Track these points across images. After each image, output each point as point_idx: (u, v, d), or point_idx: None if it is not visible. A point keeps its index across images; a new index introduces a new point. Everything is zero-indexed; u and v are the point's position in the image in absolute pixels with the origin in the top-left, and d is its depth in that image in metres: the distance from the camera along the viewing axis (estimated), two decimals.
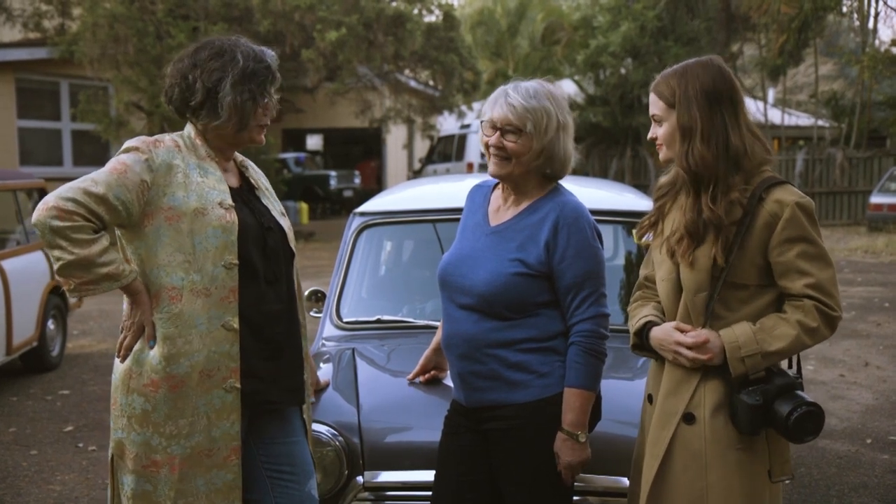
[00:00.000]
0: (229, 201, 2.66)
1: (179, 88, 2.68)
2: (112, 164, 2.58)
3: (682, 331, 2.55)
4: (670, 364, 2.60)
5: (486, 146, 2.82)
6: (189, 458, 2.60)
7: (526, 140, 2.74)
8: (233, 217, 2.63)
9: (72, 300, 8.47)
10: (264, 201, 2.85)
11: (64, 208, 2.46)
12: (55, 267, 2.52)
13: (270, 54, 2.75)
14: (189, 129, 2.74)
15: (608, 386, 2.90)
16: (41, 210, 2.47)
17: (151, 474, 2.60)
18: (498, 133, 2.78)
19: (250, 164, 2.95)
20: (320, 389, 3.23)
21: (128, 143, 2.64)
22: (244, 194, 2.79)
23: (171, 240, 2.57)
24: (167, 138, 2.69)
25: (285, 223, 2.86)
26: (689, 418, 2.55)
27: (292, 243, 2.86)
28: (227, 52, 2.67)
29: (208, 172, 2.67)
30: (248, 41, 2.75)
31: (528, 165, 2.78)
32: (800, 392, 2.50)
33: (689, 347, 2.52)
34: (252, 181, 2.87)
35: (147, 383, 2.58)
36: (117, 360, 2.67)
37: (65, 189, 2.50)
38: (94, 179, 2.53)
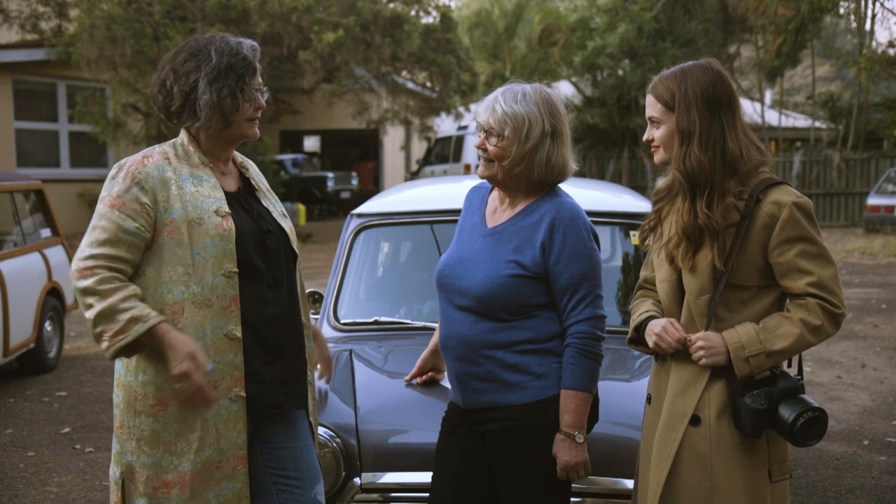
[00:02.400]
0: (226, 208, 2.63)
1: (161, 96, 2.66)
2: (108, 201, 2.55)
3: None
4: (677, 365, 2.61)
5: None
6: (200, 472, 2.58)
7: (505, 144, 2.74)
8: (230, 224, 2.61)
9: (75, 310, 8.47)
10: (265, 203, 2.81)
11: (85, 266, 2.49)
12: (91, 330, 2.49)
13: (248, 44, 2.69)
14: (182, 136, 2.71)
15: (606, 387, 2.90)
16: (71, 278, 2.51)
17: (163, 496, 2.58)
18: (484, 135, 2.78)
19: (251, 164, 2.92)
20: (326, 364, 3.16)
21: (114, 169, 2.62)
22: (242, 198, 2.76)
23: (173, 254, 2.55)
24: (156, 152, 2.66)
25: (286, 224, 2.83)
26: (694, 420, 2.55)
27: (294, 244, 2.83)
28: (202, 51, 2.63)
29: (202, 180, 2.64)
30: (227, 36, 2.70)
31: (511, 170, 2.77)
32: (804, 396, 2.51)
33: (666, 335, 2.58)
34: (253, 182, 2.84)
35: (154, 403, 2.56)
36: (117, 381, 2.64)
37: (81, 249, 2.53)
38: (101, 227, 2.52)
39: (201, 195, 2.61)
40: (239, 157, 2.87)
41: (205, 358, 2.49)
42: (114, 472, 2.68)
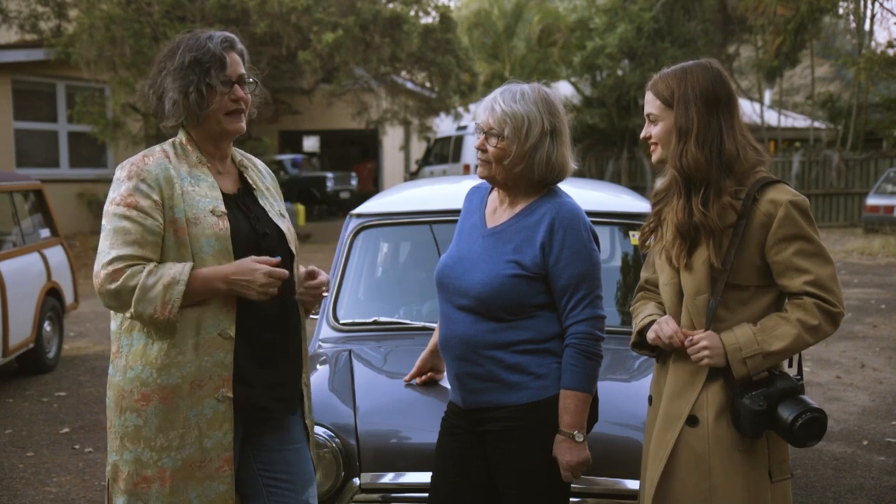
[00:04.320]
0: (222, 208, 2.62)
1: (146, 98, 2.69)
2: (120, 201, 2.54)
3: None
4: (674, 366, 2.61)
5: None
6: (180, 470, 2.57)
7: (505, 144, 2.74)
8: (225, 224, 2.60)
9: (69, 302, 8.47)
10: (262, 203, 2.79)
11: (113, 270, 2.49)
12: (140, 320, 2.51)
13: (219, 37, 2.64)
14: (181, 135, 2.70)
15: (606, 388, 2.90)
16: (97, 285, 2.51)
17: (143, 491, 2.57)
18: (483, 136, 2.78)
19: (252, 163, 2.89)
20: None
21: (118, 171, 2.61)
22: (240, 199, 2.74)
23: (177, 254, 2.55)
24: (157, 150, 2.65)
25: (284, 224, 2.80)
26: (692, 421, 2.55)
27: (292, 245, 2.81)
28: (173, 50, 2.62)
29: (200, 180, 2.63)
30: (205, 31, 2.66)
31: (511, 170, 2.76)
32: (803, 396, 2.51)
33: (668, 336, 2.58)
34: (250, 182, 2.81)
35: (138, 398, 2.55)
36: (108, 383, 2.64)
37: (103, 254, 2.52)
38: (123, 229, 2.51)
39: (198, 195, 2.60)
40: (238, 155, 2.85)
41: (254, 263, 2.55)
42: (106, 475, 2.68)
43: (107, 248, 2.51)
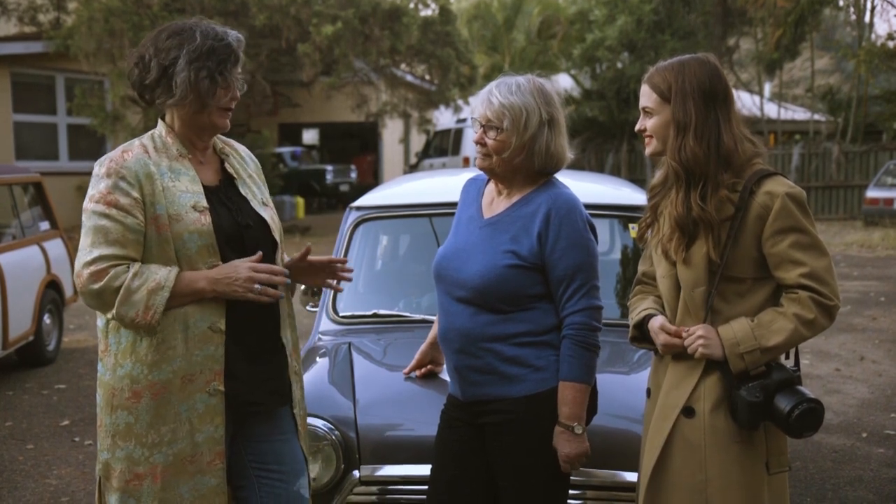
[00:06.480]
0: (203, 203, 2.59)
1: (138, 69, 2.61)
2: (99, 198, 2.52)
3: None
4: (673, 359, 2.62)
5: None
6: (172, 465, 2.55)
7: (504, 136, 2.74)
8: (207, 219, 2.57)
9: (68, 295, 8.47)
10: (244, 191, 2.74)
11: (96, 270, 2.47)
12: (122, 322, 2.51)
13: (234, 35, 2.65)
14: (160, 127, 2.67)
15: (605, 380, 2.91)
16: (80, 285, 2.49)
17: (134, 488, 2.56)
18: (482, 129, 2.78)
19: (234, 150, 2.84)
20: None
21: (96, 167, 2.58)
22: (221, 191, 2.70)
23: (160, 250, 2.53)
24: (136, 145, 2.62)
25: (267, 213, 2.76)
26: (688, 412, 2.56)
27: (275, 233, 2.76)
28: (186, 30, 2.59)
29: (181, 174, 2.60)
30: (213, 23, 2.66)
31: (511, 161, 2.77)
32: (800, 387, 2.51)
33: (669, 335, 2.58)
34: (231, 171, 2.76)
35: (129, 396, 2.54)
36: (98, 381, 2.63)
37: (84, 253, 2.50)
38: (104, 228, 2.49)
39: (178, 190, 2.57)
40: (220, 143, 2.81)
41: (239, 265, 2.57)
42: (96, 473, 2.67)
43: (88, 247, 2.50)
